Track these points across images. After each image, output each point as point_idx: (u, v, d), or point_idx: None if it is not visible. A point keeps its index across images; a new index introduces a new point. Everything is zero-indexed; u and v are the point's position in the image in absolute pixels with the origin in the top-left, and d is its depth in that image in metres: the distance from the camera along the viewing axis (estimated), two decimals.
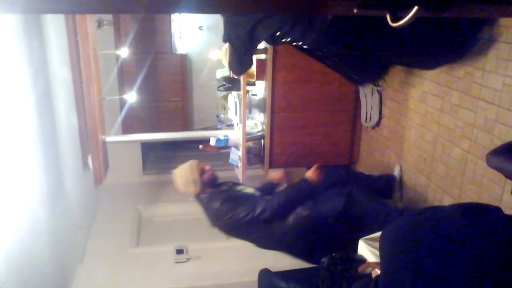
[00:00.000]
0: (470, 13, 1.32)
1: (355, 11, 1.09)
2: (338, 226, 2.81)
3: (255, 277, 3.58)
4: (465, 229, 1.14)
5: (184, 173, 2.92)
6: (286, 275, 3.17)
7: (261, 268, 3.32)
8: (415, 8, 1.00)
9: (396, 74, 3.48)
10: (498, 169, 1.64)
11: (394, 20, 1.06)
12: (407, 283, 1.13)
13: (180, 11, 2.54)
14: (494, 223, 1.15)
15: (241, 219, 2.77)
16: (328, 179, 3.04)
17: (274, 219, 2.80)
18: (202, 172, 2.92)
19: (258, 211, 2.76)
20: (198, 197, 2.94)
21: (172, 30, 5.44)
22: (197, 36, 5.84)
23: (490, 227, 1.14)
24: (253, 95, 4.09)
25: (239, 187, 3.03)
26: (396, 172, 3.50)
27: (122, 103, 5.14)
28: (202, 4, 1.06)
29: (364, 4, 1.07)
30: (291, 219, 2.81)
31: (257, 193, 3.01)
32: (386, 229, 1.33)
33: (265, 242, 2.98)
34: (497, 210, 1.21)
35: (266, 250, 3.77)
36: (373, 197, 2.94)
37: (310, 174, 2.92)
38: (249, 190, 3.03)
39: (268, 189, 3.13)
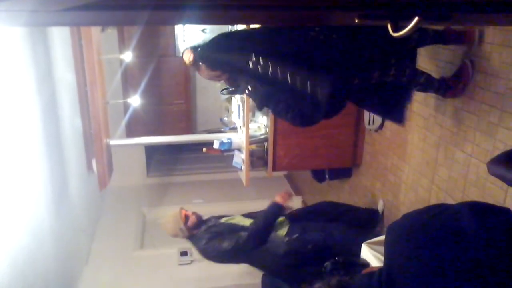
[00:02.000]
0: (471, 23, 1.33)
1: (356, 21, 1.10)
2: (314, 256, 2.99)
3: (258, 280, 3.60)
4: (474, 229, 1.14)
5: (170, 225, 3.19)
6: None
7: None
8: (415, 19, 1.01)
9: None
10: (500, 178, 1.65)
11: (395, 30, 1.07)
12: (411, 276, 1.14)
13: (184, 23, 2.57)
14: (504, 225, 1.16)
15: (228, 252, 2.99)
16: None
17: (259, 245, 3.02)
18: (186, 219, 3.14)
19: (242, 241, 2.98)
20: (188, 239, 3.20)
21: (176, 32, 5.47)
22: (200, 39, 5.85)
23: (499, 228, 1.15)
24: None
25: (223, 220, 3.23)
26: (379, 207, 3.66)
27: (126, 106, 5.17)
28: (203, 14, 1.07)
29: (365, 14, 1.09)
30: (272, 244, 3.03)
31: (243, 221, 3.18)
32: (394, 224, 1.34)
33: (258, 267, 3.27)
34: (507, 211, 1.21)
35: None
36: (351, 238, 3.01)
37: (279, 198, 3.16)
38: (235, 220, 3.23)
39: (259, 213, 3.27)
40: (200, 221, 3.19)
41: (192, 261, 4.29)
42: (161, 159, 6.83)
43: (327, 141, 3.96)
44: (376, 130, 3.84)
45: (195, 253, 4.35)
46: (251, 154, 3.91)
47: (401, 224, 1.34)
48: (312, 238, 3.04)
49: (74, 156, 3.95)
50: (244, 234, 2.99)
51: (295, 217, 3.24)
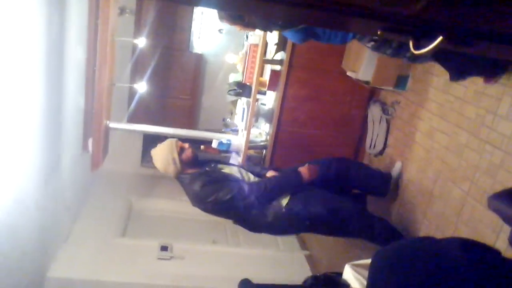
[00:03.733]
0: (494, 53, 1.31)
1: (378, 32, 1.08)
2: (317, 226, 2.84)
3: (235, 286, 3.54)
4: (464, 264, 1.12)
5: (162, 152, 2.79)
6: None
7: (242, 278, 3.28)
8: (439, 38, 0.99)
9: (407, 106, 3.47)
10: (498, 212, 1.62)
11: (417, 47, 1.05)
12: None
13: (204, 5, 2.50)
14: (493, 263, 1.13)
15: (223, 203, 2.65)
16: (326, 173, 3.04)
17: (255, 205, 2.70)
18: (181, 150, 2.79)
19: (243, 193, 2.66)
20: (178, 177, 2.83)
21: (192, 28, 5.46)
22: (216, 38, 5.86)
23: (489, 266, 1.12)
24: (262, 104, 4.09)
25: (222, 167, 2.91)
26: (395, 170, 3.42)
27: (131, 92, 5.15)
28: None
29: (389, 27, 1.07)
30: (270, 211, 2.74)
31: (243, 173, 2.90)
32: (382, 250, 1.32)
33: (245, 225, 2.89)
34: (498, 252, 1.19)
35: (250, 261, 3.76)
36: (357, 214, 2.87)
37: (304, 170, 2.84)
38: (234, 170, 2.91)
39: (258, 172, 3.02)
40: (196, 160, 2.84)
41: (171, 257, 4.23)
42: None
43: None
44: (376, 155, 3.82)
45: (175, 250, 4.30)
46: (248, 158, 3.89)
47: (389, 252, 1.31)
48: (314, 212, 2.74)
49: (71, 133, 3.91)
50: (245, 187, 2.68)
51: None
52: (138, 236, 4.55)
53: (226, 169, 2.89)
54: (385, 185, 3.33)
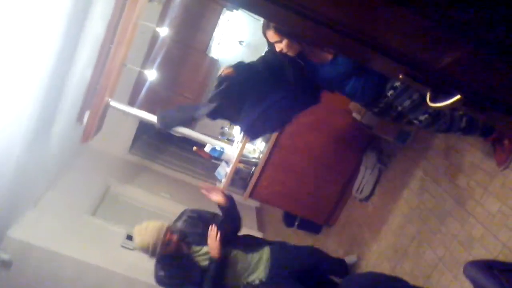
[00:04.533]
0: (505, 125, 1.32)
1: (400, 76, 1.10)
2: None
3: None
4: None
5: (148, 234, 2.58)
6: None
7: None
8: (457, 97, 1.01)
9: (402, 160, 3.50)
10: (473, 281, 1.63)
11: (434, 100, 1.07)
12: None
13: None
14: None
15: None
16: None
17: None
18: (168, 242, 2.60)
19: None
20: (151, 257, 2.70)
21: (214, 33, 5.50)
22: (234, 48, 5.90)
23: None
24: None
25: (198, 251, 2.77)
26: (349, 259, 3.50)
27: (139, 77, 5.15)
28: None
29: (412, 74, 1.08)
30: None
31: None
32: (350, 279, 1.32)
33: None
34: None
35: None
36: None
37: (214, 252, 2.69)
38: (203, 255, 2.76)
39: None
40: (178, 253, 2.70)
41: (134, 248, 4.17)
42: (148, 142, 6.76)
43: (311, 191, 3.93)
44: (361, 200, 3.82)
45: None
46: (236, 171, 3.87)
47: (357, 281, 1.31)
48: None
49: (70, 101, 3.89)
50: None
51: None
52: (108, 219, 4.49)
53: (197, 251, 2.76)
54: (344, 270, 3.39)
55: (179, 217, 2.88)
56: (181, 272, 2.68)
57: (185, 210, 2.97)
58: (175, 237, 2.64)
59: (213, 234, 2.65)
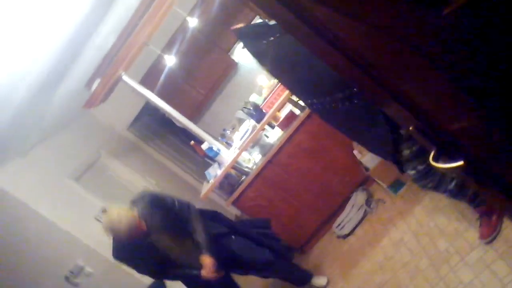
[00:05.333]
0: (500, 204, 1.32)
1: (410, 128, 1.10)
2: None
3: (148, 282, 3.48)
4: None
5: (118, 220, 2.64)
6: None
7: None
8: (460, 162, 1.01)
9: (390, 209, 3.50)
10: None
11: (436, 159, 1.07)
12: None
13: None
14: None
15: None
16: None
17: None
18: (136, 231, 2.70)
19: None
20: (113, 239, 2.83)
21: None
22: (241, 49, 5.91)
23: None
24: (265, 135, 4.10)
25: (159, 241, 2.85)
26: (317, 281, 3.50)
27: (156, 60, 5.17)
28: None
29: (422, 129, 1.09)
30: None
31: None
32: None
33: None
34: None
35: None
36: None
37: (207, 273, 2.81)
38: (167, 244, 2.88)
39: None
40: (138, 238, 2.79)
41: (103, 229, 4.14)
42: (149, 124, 6.74)
43: (294, 214, 3.92)
44: (339, 236, 3.81)
45: None
46: (226, 176, 3.87)
47: None
48: None
49: (84, 65, 3.89)
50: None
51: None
52: (89, 188, 4.46)
53: (161, 239, 2.86)
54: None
55: (140, 200, 2.88)
56: (140, 255, 2.83)
57: (145, 194, 2.98)
58: (143, 227, 2.73)
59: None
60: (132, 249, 2.81)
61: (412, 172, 2.30)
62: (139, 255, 2.84)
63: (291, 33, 1.15)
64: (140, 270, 3.04)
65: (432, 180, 2.32)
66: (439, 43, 0.81)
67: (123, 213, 2.68)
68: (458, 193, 2.34)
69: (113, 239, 2.81)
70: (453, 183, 2.32)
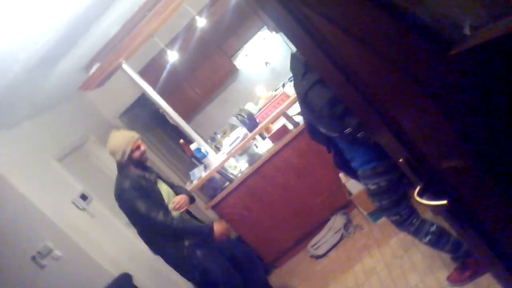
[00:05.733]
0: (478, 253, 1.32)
1: (400, 160, 1.11)
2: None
3: (118, 273, 3.44)
4: None
5: (120, 139, 2.93)
6: None
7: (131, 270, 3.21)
8: (444, 201, 1.02)
9: (366, 236, 3.51)
10: None
11: (420, 195, 1.08)
12: None
13: None
14: None
15: (135, 211, 2.84)
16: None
17: (160, 235, 2.92)
18: (136, 148, 2.93)
19: (153, 216, 2.82)
20: (119, 164, 2.98)
21: (247, 44, 5.54)
22: (258, 66, 5.95)
23: None
24: (255, 145, 4.10)
25: (160, 184, 3.05)
26: None
27: (158, 55, 5.16)
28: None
29: (409, 161, 1.10)
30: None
31: (170, 195, 3.06)
32: None
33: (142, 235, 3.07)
34: None
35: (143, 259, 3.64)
36: None
37: (219, 230, 2.99)
38: (165, 190, 3.05)
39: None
40: (142, 164, 3.01)
41: (84, 209, 4.09)
42: (141, 116, 6.71)
43: (271, 227, 3.92)
44: (312, 256, 3.81)
45: (92, 206, 4.18)
46: (211, 179, 3.85)
47: None
48: (209, 270, 2.92)
49: (85, 47, 3.86)
50: (162, 215, 2.84)
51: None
52: (71, 171, 4.40)
53: (162, 186, 3.06)
54: None
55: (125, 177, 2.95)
56: (146, 188, 2.89)
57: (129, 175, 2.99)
58: (143, 147, 2.97)
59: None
60: (136, 177, 2.91)
61: (394, 218, 2.38)
62: (143, 186, 2.90)
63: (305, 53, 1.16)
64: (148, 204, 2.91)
65: (411, 223, 2.36)
66: (441, 83, 0.82)
67: (125, 131, 3.06)
68: (437, 241, 2.36)
69: (121, 172, 2.95)
70: (434, 226, 2.35)
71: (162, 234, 2.92)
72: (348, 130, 2.14)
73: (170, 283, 4.42)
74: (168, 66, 5.08)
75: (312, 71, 2.19)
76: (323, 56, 0.98)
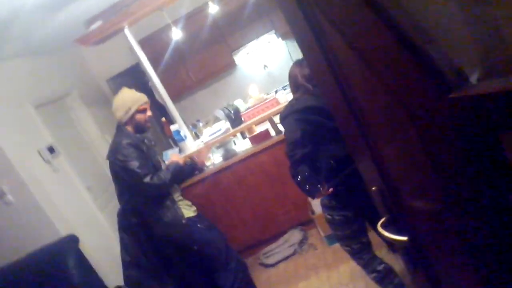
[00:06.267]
0: None
1: (373, 188, 1.13)
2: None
3: (66, 233, 3.37)
4: None
5: (128, 97, 2.88)
6: None
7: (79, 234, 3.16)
8: (405, 238, 1.04)
9: (318, 257, 3.53)
10: None
11: (384, 227, 1.10)
12: None
13: None
14: None
15: (128, 171, 2.74)
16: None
17: (154, 198, 2.87)
18: (142, 111, 2.89)
19: (143, 176, 2.74)
20: (119, 123, 2.92)
21: (250, 43, 5.53)
22: (256, 67, 5.95)
23: None
24: (234, 142, 4.10)
25: (156, 150, 3.03)
26: None
27: (161, 30, 5.11)
28: None
29: (382, 191, 1.11)
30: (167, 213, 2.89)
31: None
32: None
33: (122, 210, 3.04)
34: None
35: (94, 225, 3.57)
36: None
37: (200, 157, 3.30)
38: (159, 158, 3.05)
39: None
40: (142, 128, 2.94)
41: (48, 161, 3.99)
42: (128, 86, 6.60)
43: (228, 226, 3.89)
44: (261, 264, 3.82)
45: (57, 160, 4.10)
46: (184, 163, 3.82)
47: None
48: (209, 241, 2.94)
49: (92, 3, 3.80)
50: (156, 178, 2.77)
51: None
52: (44, 121, 4.30)
53: (158, 155, 3.05)
54: None
55: (125, 136, 2.89)
56: (141, 149, 2.82)
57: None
58: (149, 112, 2.93)
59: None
60: (137, 138, 2.84)
61: (345, 248, 2.44)
62: (142, 147, 2.83)
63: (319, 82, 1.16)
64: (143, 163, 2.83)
65: (361, 258, 2.41)
66: (433, 122, 0.84)
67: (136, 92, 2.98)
68: (381, 280, 2.40)
69: (123, 128, 2.88)
70: (382, 266, 2.40)
71: (156, 197, 2.88)
72: (298, 178, 2.20)
73: (114, 257, 4.37)
74: (169, 43, 5.03)
75: (298, 92, 2.26)
76: (326, 67, 0.99)
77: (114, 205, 4.88)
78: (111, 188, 4.92)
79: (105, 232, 4.43)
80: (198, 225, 2.95)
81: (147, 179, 2.75)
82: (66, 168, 4.26)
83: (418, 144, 0.88)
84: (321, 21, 0.95)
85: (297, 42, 1.05)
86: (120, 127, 2.90)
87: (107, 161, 2.95)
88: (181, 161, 3.06)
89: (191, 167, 3.49)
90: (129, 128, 2.89)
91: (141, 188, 2.79)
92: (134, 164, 2.73)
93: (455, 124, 0.80)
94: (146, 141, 2.93)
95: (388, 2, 0.82)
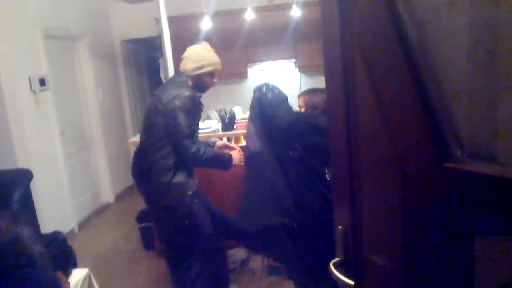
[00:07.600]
0: None
1: (339, 227, 1.15)
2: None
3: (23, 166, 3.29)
4: None
5: (210, 55, 2.78)
6: None
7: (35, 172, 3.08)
8: (352, 282, 1.06)
9: (251, 283, 3.51)
10: None
11: (337, 265, 1.12)
12: None
13: None
14: None
15: (176, 128, 2.58)
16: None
17: (180, 163, 2.70)
18: (211, 74, 2.77)
19: (189, 141, 2.61)
20: (180, 76, 2.77)
21: (268, 61, 5.59)
22: (258, 71, 5.99)
23: None
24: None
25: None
26: None
27: (193, 16, 5.14)
28: None
29: (346, 233, 1.14)
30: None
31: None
32: None
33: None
34: None
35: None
36: None
37: (237, 157, 2.89)
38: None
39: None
40: (204, 90, 2.81)
41: (34, 91, 3.93)
42: (139, 54, 6.63)
43: None
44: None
45: (45, 96, 4.05)
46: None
47: None
48: (200, 220, 2.81)
49: None
50: (196, 146, 2.65)
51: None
52: (47, 52, 4.26)
53: None
54: None
55: (186, 88, 2.73)
56: (196, 107, 2.67)
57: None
58: (216, 79, 2.83)
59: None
60: (197, 100, 2.69)
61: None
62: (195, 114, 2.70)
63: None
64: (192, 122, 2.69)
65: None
66: (420, 184, 0.87)
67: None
68: None
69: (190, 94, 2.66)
70: None
71: (184, 162, 2.70)
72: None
73: (58, 208, 4.28)
74: (194, 31, 5.06)
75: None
76: (343, 100, 1.02)
77: (79, 159, 4.82)
78: (82, 142, 4.88)
79: (60, 181, 4.34)
80: (200, 204, 2.83)
81: (187, 142, 2.62)
82: (49, 105, 4.20)
83: (399, 202, 0.91)
84: (355, 59, 0.98)
85: (325, 67, 1.08)
86: (181, 76, 2.76)
87: (139, 105, 2.85)
88: (236, 159, 2.90)
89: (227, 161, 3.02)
90: (189, 82, 2.75)
91: (182, 144, 2.63)
92: (183, 122, 2.58)
93: (440, 193, 0.83)
94: (201, 105, 2.79)
95: (426, 68, 0.85)
